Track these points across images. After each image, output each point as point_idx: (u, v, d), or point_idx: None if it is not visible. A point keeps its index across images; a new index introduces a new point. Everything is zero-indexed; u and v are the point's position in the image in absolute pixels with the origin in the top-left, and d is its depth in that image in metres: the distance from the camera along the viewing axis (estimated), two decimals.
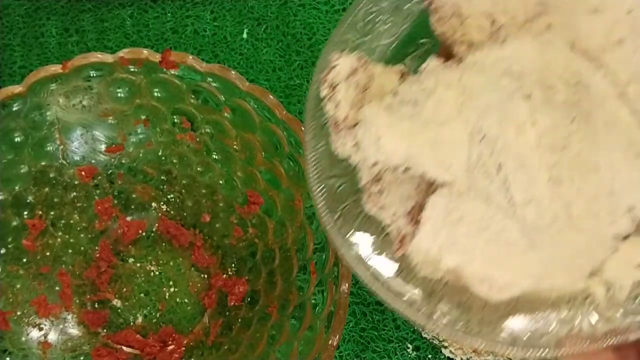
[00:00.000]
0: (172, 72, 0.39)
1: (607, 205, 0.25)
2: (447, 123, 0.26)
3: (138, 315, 0.42)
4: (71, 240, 0.42)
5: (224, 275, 0.42)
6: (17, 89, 0.38)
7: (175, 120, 0.42)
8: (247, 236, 0.42)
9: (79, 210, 0.42)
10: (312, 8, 0.50)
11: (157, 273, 0.43)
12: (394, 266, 0.27)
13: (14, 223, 0.40)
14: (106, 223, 0.43)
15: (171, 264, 0.44)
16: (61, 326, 0.41)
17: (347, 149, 0.27)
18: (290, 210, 0.40)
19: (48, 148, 0.40)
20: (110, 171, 0.43)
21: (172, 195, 0.44)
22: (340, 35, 0.29)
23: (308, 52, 0.49)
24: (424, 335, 0.42)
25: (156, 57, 0.39)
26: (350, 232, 0.28)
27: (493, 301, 0.25)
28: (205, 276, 0.43)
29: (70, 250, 0.42)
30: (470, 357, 0.41)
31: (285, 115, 0.38)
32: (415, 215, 0.26)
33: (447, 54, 0.28)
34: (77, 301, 0.42)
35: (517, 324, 0.26)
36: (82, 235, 0.43)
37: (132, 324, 0.42)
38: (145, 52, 0.39)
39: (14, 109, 0.39)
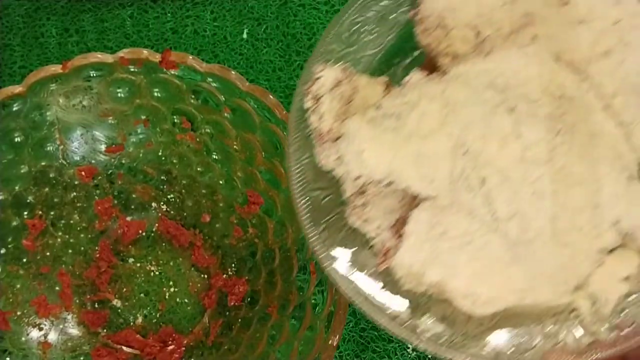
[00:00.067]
0: (172, 72, 0.39)
1: (592, 218, 0.25)
2: (430, 136, 0.25)
3: (138, 315, 0.42)
4: (71, 240, 0.42)
5: (224, 275, 0.42)
6: (17, 89, 0.38)
7: (175, 120, 0.42)
8: (247, 236, 0.42)
9: (79, 210, 0.42)
10: (312, 8, 0.50)
11: (157, 273, 0.43)
12: (378, 279, 0.27)
13: (14, 223, 0.40)
14: (106, 223, 0.43)
15: (171, 264, 0.44)
16: (61, 326, 0.41)
17: (330, 162, 0.27)
18: (290, 210, 0.40)
19: (48, 148, 0.40)
20: (110, 171, 0.43)
21: (172, 195, 0.44)
22: (325, 45, 0.28)
23: (308, 52, 0.49)
24: None
25: (156, 57, 0.39)
26: (334, 245, 0.27)
27: (476, 315, 0.25)
28: (205, 276, 0.43)
29: (70, 250, 0.42)
30: None
31: (286, 115, 0.38)
32: (399, 228, 0.26)
33: (431, 65, 0.27)
34: (77, 301, 0.42)
35: (501, 338, 0.26)
36: (82, 235, 0.43)
37: (132, 324, 0.42)
38: (145, 52, 0.39)
39: (14, 109, 0.39)
